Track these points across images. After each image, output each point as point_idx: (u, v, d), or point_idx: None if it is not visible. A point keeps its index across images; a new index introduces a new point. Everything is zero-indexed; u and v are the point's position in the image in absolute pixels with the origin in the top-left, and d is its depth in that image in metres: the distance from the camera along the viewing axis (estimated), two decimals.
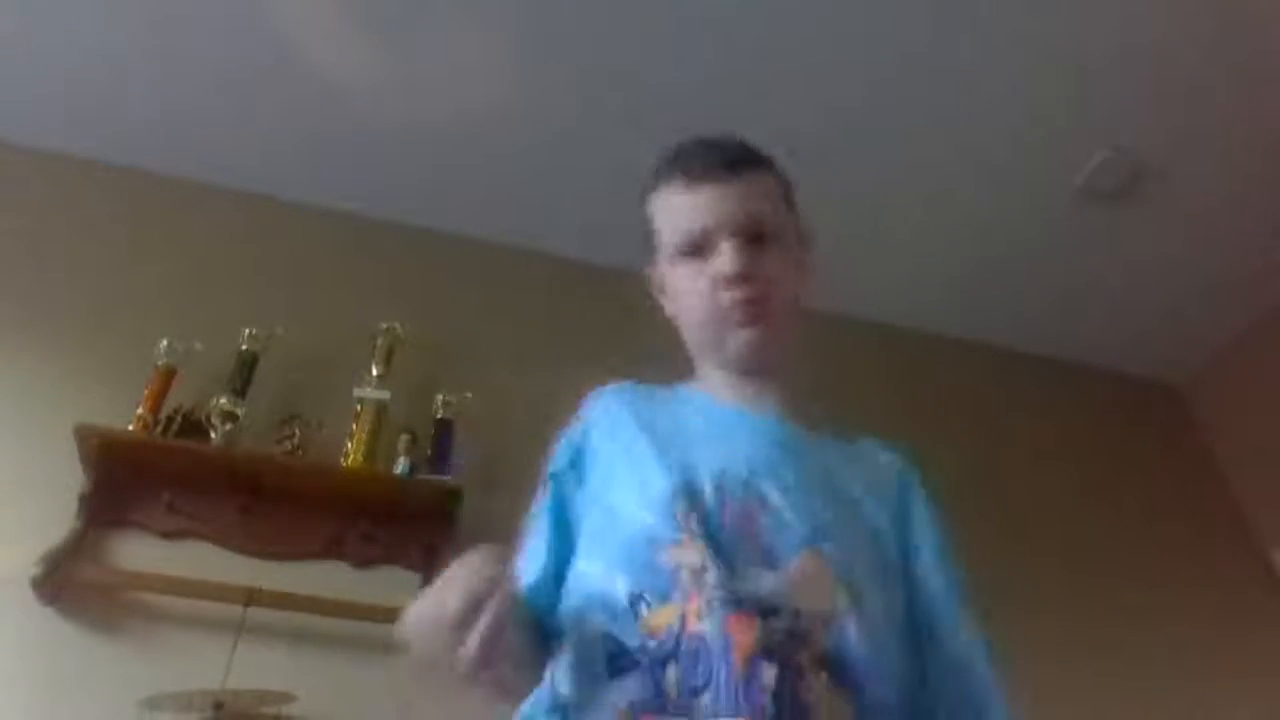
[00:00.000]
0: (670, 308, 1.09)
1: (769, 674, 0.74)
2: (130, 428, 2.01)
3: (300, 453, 2.14)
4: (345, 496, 2.10)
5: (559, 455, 1.02)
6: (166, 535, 1.99)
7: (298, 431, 2.16)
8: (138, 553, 1.96)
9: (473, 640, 0.71)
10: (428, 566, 2.02)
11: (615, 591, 0.83)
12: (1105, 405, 3.09)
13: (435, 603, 0.73)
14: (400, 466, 2.16)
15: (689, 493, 0.87)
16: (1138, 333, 3.07)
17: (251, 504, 2.04)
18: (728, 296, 0.98)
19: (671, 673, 0.76)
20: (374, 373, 2.26)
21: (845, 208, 2.60)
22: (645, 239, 1.10)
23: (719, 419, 0.99)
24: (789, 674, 0.75)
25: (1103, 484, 2.87)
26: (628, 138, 2.23)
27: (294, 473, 2.10)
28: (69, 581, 1.86)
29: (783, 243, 1.04)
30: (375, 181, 2.65)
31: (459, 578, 0.73)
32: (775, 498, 0.88)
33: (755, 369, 1.02)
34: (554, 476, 1.00)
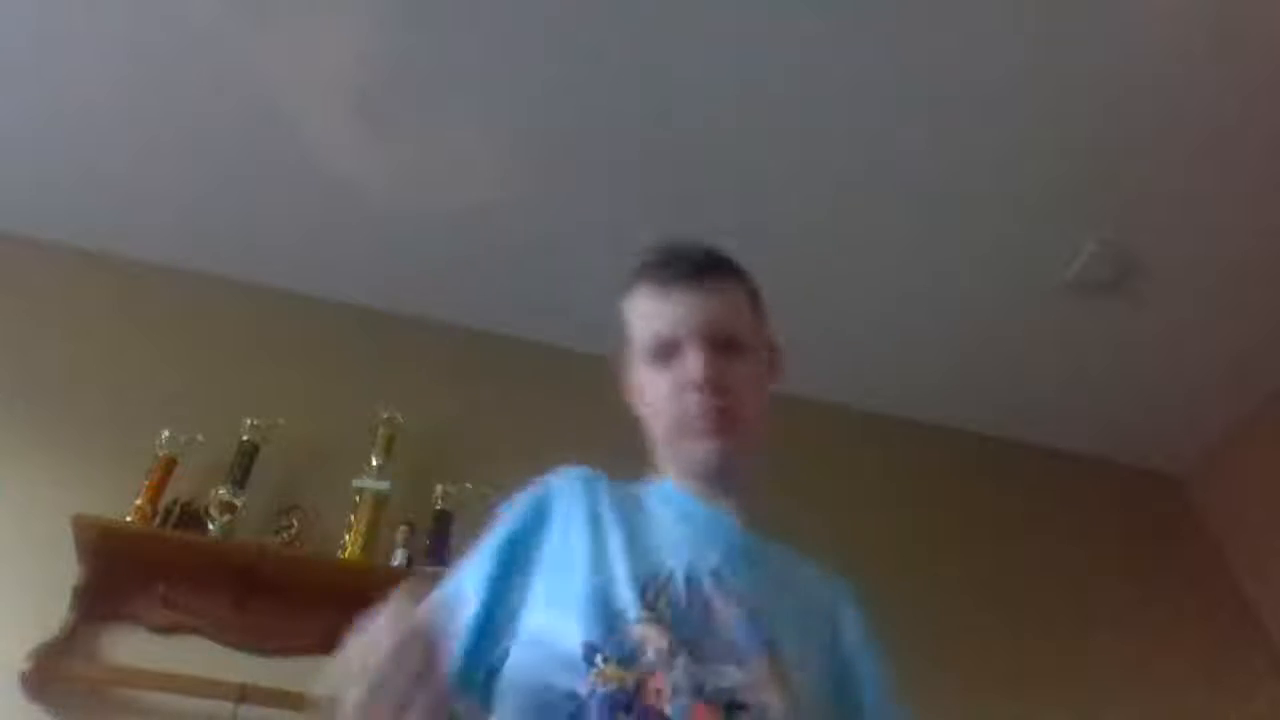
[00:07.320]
0: (639, 408, 1.10)
1: None
2: (129, 519, 2.00)
3: (298, 544, 2.12)
4: (342, 589, 2.07)
5: (521, 509, 1.02)
6: (160, 629, 1.97)
7: (295, 522, 2.14)
8: (130, 647, 1.94)
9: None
10: None
11: (570, 642, 0.83)
12: (1105, 496, 3.07)
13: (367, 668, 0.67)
14: (398, 558, 2.14)
15: (658, 577, 0.89)
16: (1136, 423, 3.08)
17: (246, 597, 2.02)
18: (693, 402, 0.98)
19: None
20: (374, 463, 2.26)
21: (837, 296, 2.63)
22: (621, 339, 1.12)
23: (688, 513, 1.01)
24: None
25: (1103, 574, 2.83)
26: (630, 232, 2.27)
27: (289, 564, 2.08)
28: (58, 677, 1.83)
29: (751, 353, 1.04)
30: (378, 272, 2.69)
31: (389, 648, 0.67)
32: (741, 595, 0.91)
33: (717, 481, 1.01)
34: (514, 528, 0.99)
